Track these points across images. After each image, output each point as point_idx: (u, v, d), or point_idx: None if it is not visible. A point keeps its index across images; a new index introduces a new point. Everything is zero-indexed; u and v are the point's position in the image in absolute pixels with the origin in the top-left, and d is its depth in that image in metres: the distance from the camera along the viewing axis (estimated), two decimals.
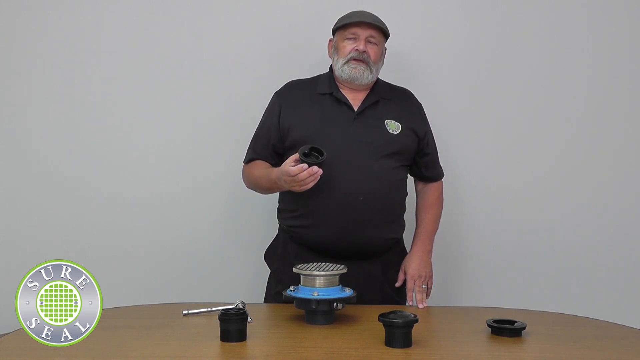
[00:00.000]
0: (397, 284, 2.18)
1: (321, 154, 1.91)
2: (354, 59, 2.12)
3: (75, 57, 2.62)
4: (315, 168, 1.88)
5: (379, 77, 2.23)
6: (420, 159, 2.23)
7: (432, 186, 2.29)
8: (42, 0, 2.61)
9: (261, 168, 2.15)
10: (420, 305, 2.08)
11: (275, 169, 2.04)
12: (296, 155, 1.91)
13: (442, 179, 2.32)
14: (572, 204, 2.69)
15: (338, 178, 2.04)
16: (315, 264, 1.89)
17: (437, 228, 2.26)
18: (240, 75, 2.64)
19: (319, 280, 1.81)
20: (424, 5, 2.66)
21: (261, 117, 2.24)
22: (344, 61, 2.13)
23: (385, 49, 2.22)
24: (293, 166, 1.89)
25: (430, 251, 2.21)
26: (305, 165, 1.88)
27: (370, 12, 2.18)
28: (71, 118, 2.64)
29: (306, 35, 2.53)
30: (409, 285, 2.14)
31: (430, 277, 2.17)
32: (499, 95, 2.67)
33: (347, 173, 2.05)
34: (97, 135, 2.64)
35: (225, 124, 2.64)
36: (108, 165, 2.65)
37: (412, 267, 2.15)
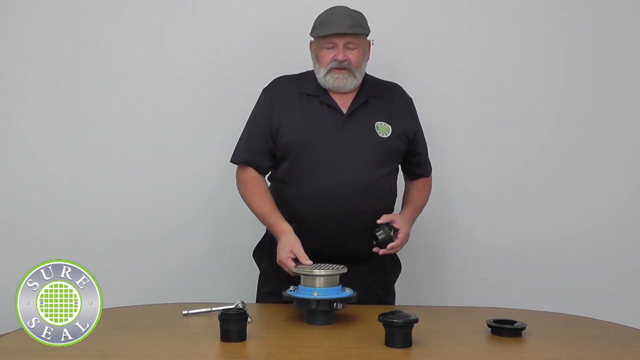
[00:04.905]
0: (379, 220, 2.07)
1: None
2: (335, 69, 2.07)
3: (68, 57, 2.61)
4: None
5: (367, 73, 2.18)
6: (412, 158, 2.22)
7: (423, 179, 2.29)
8: (36, 1, 2.61)
9: (262, 198, 2.10)
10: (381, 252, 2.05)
11: (282, 227, 2.01)
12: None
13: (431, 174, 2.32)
14: (573, 203, 2.69)
15: (327, 188, 2.03)
16: (315, 263, 1.89)
17: (420, 212, 2.24)
18: (228, 73, 2.62)
19: (319, 280, 1.81)
20: (419, 3, 2.66)
21: (250, 114, 2.18)
22: (325, 71, 2.08)
23: (372, 41, 2.15)
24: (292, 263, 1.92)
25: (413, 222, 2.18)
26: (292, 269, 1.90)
27: (350, 7, 2.11)
28: (68, 118, 2.63)
29: (292, 31, 2.51)
30: (395, 244, 2.05)
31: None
32: (491, 92, 2.66)
33: (337, 182, 2.03)
34: (98, 135, 2.64)
35: (214, 125, 2.62)
36: (107, 166, 2.65)
37: (403, 232, 2.06)
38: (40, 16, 2.61)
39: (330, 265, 1.87)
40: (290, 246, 1.94)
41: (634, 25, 2.66)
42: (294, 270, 1.87)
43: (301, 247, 1.94)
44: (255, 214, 2.12)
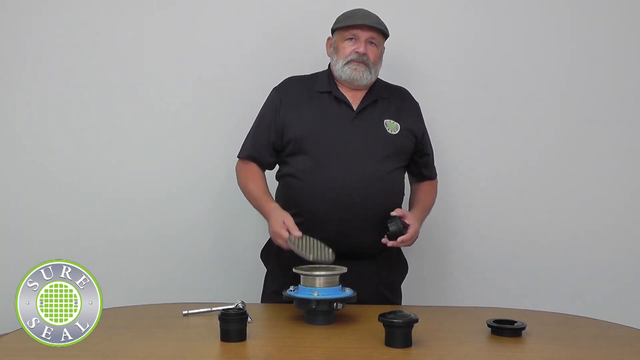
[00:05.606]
0: (393, 213, 2.06)
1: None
2: (354, 61, 2.12)
3: (68, 56, 2.61)
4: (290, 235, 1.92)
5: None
6: (420, 159, 2.24)
7: (429, 181, 2.31)
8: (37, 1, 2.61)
9: (256, 183, 2.15)
10: (390, 244, 2.04)
11: (271, 206, 2.05)
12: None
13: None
14: (572, 204, 2.70)
15: (336, 179, 2.05)
16: (304, 235, 1.90)
17: (428, 214, 2.24)
18: (236, 73, 2.63)
19: (319, 280, 1.81)
20: (421, 5, 2.67)
21: (258, 112, 2.22)
22: (343, 62, 2.13)
23: (384, 48, 2.22)
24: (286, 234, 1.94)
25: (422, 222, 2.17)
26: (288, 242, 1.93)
27: (369, 10, 2.17)
28: (69, 117, 2.63)
29: (303, 32, 2.53)
30: (405, 238, 2.05)
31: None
32: (495, 95, 2.67)
33: (345, 174, 2.05)
34: (98, 135, 2.64)
35: (220, 123, 2.63)
36: (107, 166, 2.65)
37: (414, 228, 2.05)
38: (42, 16, 2.61)
39: (329, 260, 1.87)
40: (282, 218, 1.97)
41: (638, 25, 2.66)
42: (293, 270, 1.87)
43: (292, 219, 1.97)
44: (248, 198, 2.16)
